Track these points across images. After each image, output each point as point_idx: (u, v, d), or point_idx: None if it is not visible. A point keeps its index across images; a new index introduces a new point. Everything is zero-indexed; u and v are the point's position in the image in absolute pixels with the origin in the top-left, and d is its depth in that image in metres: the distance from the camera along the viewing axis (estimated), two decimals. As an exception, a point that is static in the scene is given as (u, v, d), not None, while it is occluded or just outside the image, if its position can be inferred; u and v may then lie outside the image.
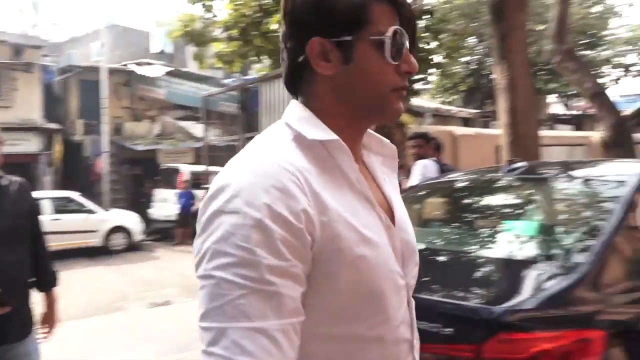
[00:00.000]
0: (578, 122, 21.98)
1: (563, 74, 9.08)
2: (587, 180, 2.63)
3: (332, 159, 0.83)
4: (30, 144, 15.42)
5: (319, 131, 0.83)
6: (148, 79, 17.52)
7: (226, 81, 17.34)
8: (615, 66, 21.32)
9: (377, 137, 0.98)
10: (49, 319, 2.46)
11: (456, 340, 1.64)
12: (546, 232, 2.33)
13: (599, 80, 13.43)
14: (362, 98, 0.85)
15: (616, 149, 7.51)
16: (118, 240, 12.36)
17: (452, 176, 3.44)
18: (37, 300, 2.36)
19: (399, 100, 0.87)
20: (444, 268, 2.26)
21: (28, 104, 15.63)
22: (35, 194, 2.43)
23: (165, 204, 14.43)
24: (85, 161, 17.35)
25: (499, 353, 1.57)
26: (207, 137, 9.06)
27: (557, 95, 21.91)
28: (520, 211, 2.63)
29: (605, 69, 20.95)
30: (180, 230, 13.70)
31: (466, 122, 18.38)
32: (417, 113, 14.58)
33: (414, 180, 4.28)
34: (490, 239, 2.45)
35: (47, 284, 2.45)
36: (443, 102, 20.87)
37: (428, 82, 16.03)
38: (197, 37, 11.12)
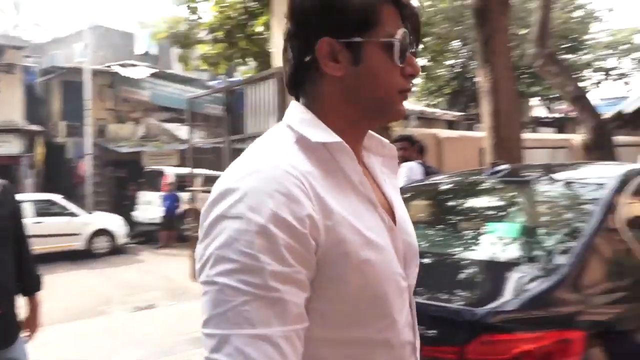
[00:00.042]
0: (560, 125, 22.22)
1: (545, 77, 9.20)
2: (568, 183, 2.66)
3: (334, 161, 0.82)
4: (11, 146, 15.24)
5: (322, 133, 0.82)
6: (132, 81, 17.37)
7: (211, 83, 17.28)
8: (596, 70, 21.70)
9: (377, 138, 0.97)
10: (31, 324, 2.42)
11: (439, 342, 1.65)
12: (528, 234, 2.35)
13: (580, 84, 13.62)
14: (369, 99, 0.85)
15: (597, 151, 7.62)
16: (101, 244, 12.23)
17: (436, 179, 3.46)
18: (20, 304, 2.32)
19: (402, 102, 0.88)
20: (428, 270, 2.27)
21: (9, 106, 15.42)
22: (17, 197, 2.40)
23: (149, 207, 14.34)
24: (68, 163, 17.15)
25: (482, 354, 1.59)
26: (192, 140, 9.02)
27: (539, 98, 22.18)
28: (503, 213, 2.65)
29: (586, 72, 21.33)
30: (164, 233, 13.61)
31: (450, 124, 18.49)
32: (402, 116, 14.59)
33: (399, 182, 4.30)
34: (474, 241, 2.47)
35: (31, 288, 2.41)
36: (428, 105, 20.98)
37: (413, 85, 16.07)
38: (182, 39, 11.09)
